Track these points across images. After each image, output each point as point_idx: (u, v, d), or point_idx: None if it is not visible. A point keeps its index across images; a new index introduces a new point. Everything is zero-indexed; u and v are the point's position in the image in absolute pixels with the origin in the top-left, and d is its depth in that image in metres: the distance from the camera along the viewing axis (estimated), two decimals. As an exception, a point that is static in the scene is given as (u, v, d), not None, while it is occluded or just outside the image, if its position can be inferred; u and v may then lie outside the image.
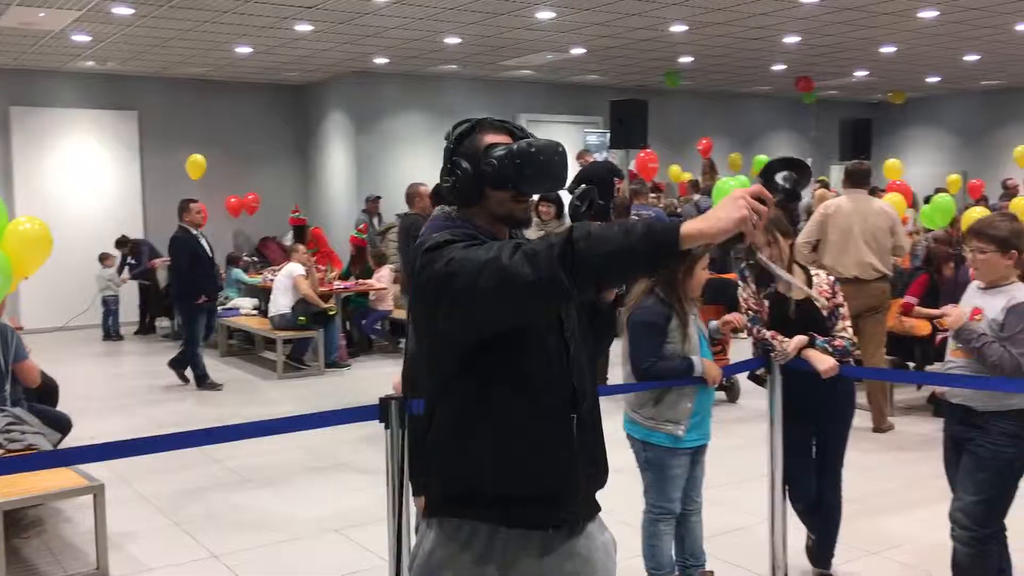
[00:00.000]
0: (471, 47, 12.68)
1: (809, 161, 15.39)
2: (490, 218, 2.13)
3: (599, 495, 2.22)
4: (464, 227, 2.08)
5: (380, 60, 13.53)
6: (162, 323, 12.68)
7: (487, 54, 13.22)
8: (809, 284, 3.90)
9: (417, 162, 15.09)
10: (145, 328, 12.67)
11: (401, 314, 10.91)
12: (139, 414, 7.93)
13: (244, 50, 12.36)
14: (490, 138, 2.11)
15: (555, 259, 1.77)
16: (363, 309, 10.85)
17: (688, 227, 1.77)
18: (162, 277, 11.99)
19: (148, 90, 14.20)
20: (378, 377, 9.27)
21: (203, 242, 8.84)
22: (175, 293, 9.33)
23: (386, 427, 3.00)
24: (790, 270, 3.85)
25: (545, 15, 10.67)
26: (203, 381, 8.83)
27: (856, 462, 6.04)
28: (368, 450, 6.45)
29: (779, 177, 1.97)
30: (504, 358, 2.02)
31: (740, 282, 3.95)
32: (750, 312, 3.92)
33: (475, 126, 2.14)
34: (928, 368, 7.18)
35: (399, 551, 3.04)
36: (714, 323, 3.92)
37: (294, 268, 9.63)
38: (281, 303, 9.49)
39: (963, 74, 17.01)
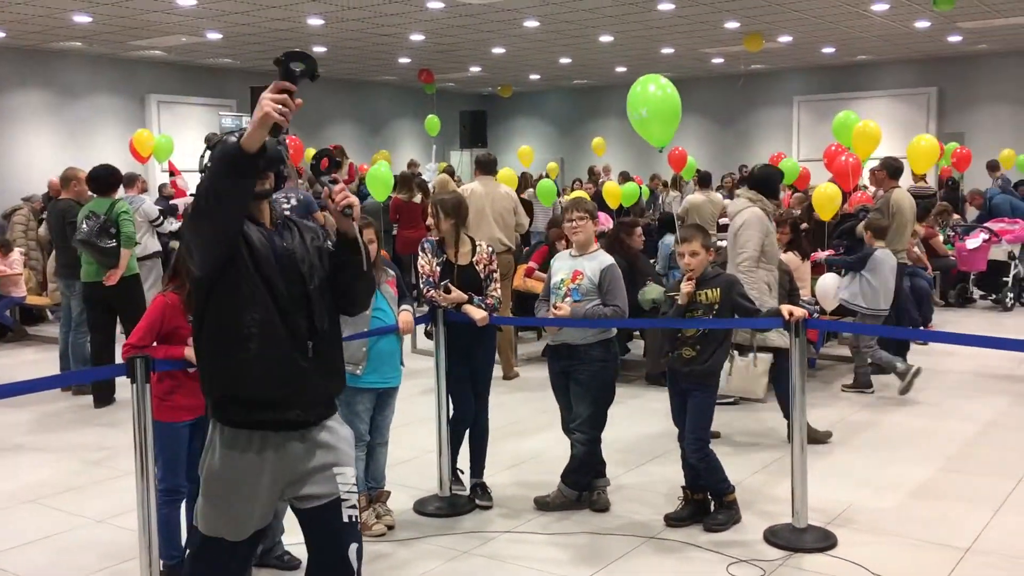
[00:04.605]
0: (101, 25, 12.35)
1: (433, 149, 16.84)
2: None
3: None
4: None
5: (-7, 32, 12.68)
6: None
7: (117, 33, 12.92)
8: (473, 253, 4.91)
9: (36, 142, 14.29)
10: None
11: (37, 300, 10.51)
12: None
13: None
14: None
15: (187, 221, 2.65)
16: (-10, 296, 10.29)
17: (244, 138, 2.42)
18: None
19: None
20: (20, 365, 8.99)
21: None
22: None
23: (132, 381, 3.50)
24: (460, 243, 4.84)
25: (186, 1, 10.83)
26: None
27: (491, 402, 7.29)
28: (40, 432, 6.48)
29: (293, 66, 2.45)
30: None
31: (420, 251, 4.88)
32: (423, 276, 4.84)
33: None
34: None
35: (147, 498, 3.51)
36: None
37: (-84, 255, 8.98)
38: (-98, 293, 8.82)
39: (559, 73, 19.52)
